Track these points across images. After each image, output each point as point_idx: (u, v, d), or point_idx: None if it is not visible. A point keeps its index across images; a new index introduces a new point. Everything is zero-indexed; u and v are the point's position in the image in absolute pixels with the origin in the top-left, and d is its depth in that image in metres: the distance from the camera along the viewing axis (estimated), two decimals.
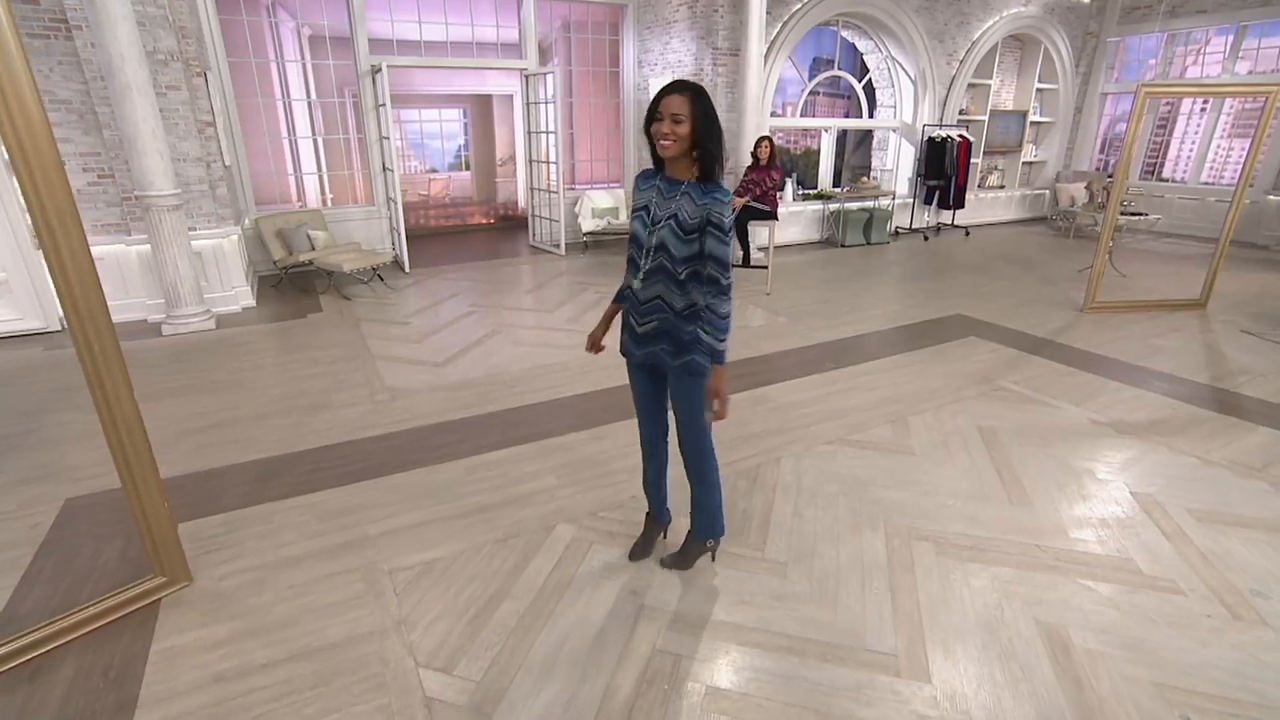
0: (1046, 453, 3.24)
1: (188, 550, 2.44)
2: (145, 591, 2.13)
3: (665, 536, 2.49)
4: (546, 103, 7.56)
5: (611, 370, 4.21)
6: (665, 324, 1.95)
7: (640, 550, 2.42)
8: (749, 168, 6.09)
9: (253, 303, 5.65)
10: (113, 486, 2.87)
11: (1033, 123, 10.62)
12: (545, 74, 7.47)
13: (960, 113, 9.60)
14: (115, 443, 1.98)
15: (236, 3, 6.30)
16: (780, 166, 6.03)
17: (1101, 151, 11.19)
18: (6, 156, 4.78)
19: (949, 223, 9.79)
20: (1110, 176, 10.29)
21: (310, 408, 3.66)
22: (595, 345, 2.17)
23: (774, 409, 3.71)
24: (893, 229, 9.13)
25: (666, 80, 8.24)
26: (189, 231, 5.00)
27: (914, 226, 9.51)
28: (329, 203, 8.45)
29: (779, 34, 7.59)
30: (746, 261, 6.43)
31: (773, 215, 6.08)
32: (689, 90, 1.76)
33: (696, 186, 1.84)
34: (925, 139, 9.01)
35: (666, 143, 1.78)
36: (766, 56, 7.53)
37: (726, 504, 2.79)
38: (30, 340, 4.83)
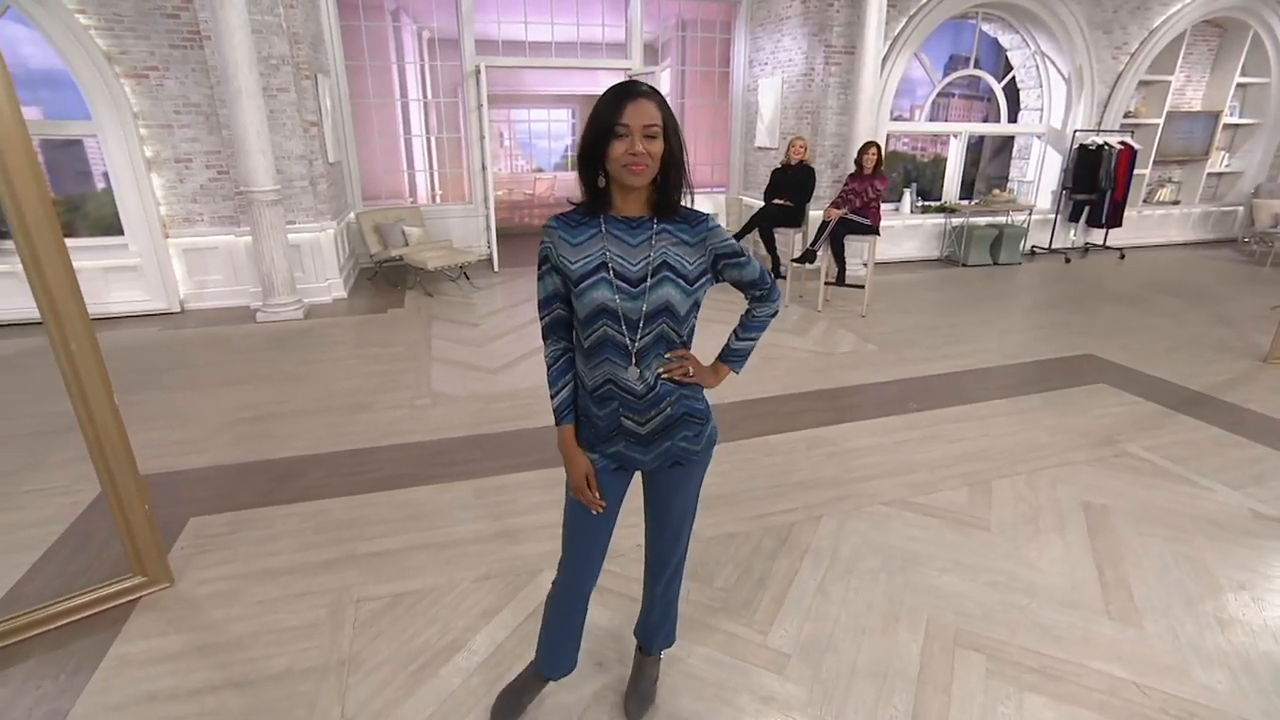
0: (1177, 550, 2.54)
1: (185, 547, 2.48)
2: (122, 590, 2.14)
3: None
4: None
5: None
6: (680, 405, 1.43)
7: (511, 708, 1.76)
8: (850, 176, 5.52)
9: (344, 295, 5.94)
10: (156, 470, 3.01)
11: (1227, 125, 8.93)
12: (648, 74, 7.28)
13: (1126, 115, 8.26)
14: (94, 445, 2.00)
15: (357, 9, 6.65)
16: (885, 176, 5.40)
17: None
18: (149, 155, 5.35)
19: (1100, 243, 8.47)
20: None
21: (352, 408, 3.69)
22: (598, 499, 1.47)
23: (831, 454, 3.24)
24: (1027, 248, 8.03)
25: (774, 81, 7.82)
26: (287, 225, 5.32)
27: (1054, 246, 8.30)
28: (438, 199, 8.80)
29: (904, 29, 6.87)
30: (841, 279, 5.85)
31: (874, 230, 5.47)
32: (655, 93, 1.28)
33: (675, 223, 1.35)
34: (1075, 147, 7.82)
35: (640, 168, 1.26)
36: (888, 54, 6.84)
37: (745, 564, 2.44)
38: (151, 320, 5.35)
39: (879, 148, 5.36)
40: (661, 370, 1.39)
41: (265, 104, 4.98)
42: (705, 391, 1.50)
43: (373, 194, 7.47)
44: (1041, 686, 1.91)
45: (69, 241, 5.81)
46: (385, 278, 6.63)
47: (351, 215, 6.74)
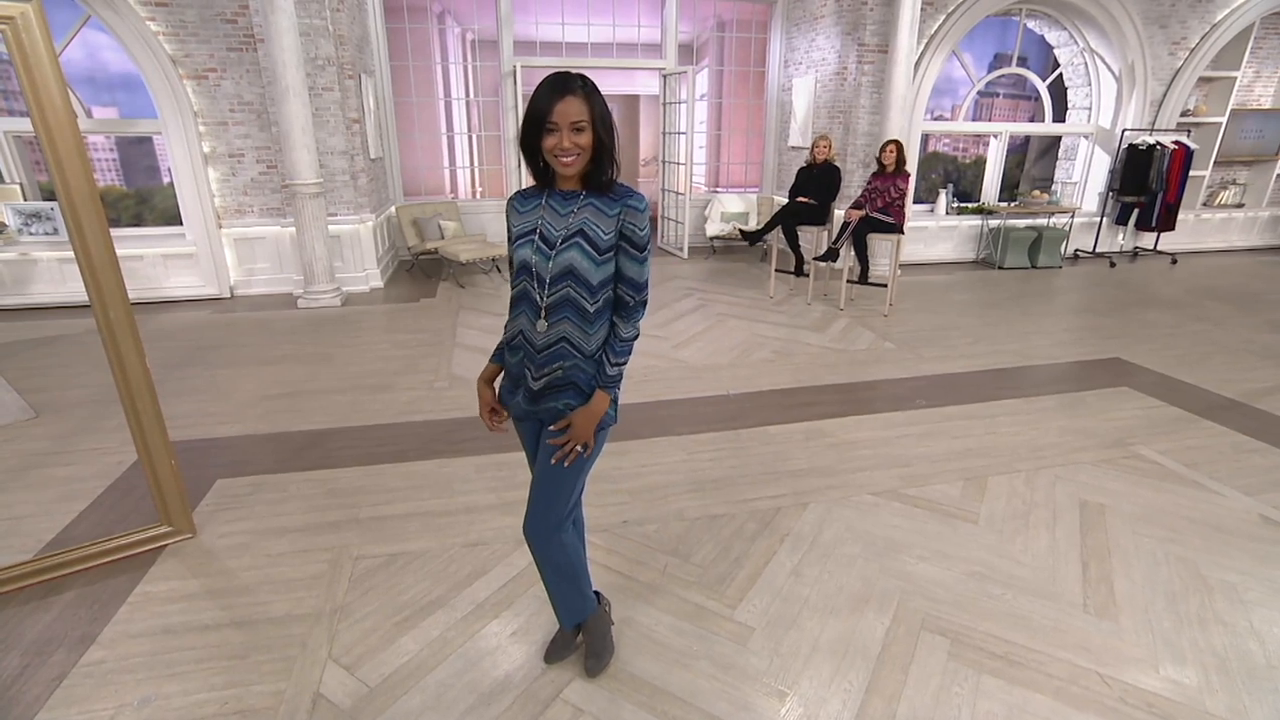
0: (1171, 550, 2.49)
1: (210, 505, 2.71)
2: (151, 538, 2.37)
3: (609, 610, 2.01)
4: (679, 103, 7.45)
5: (675, 381, 4.01)
6: (573, 373, 1.55)
7: (559, 650, 1.95)
8: (873, 174, 5.49)
9: (380, 285, 6.23)
10: (192, 437, 3.29)
11: None
12: (681, 73, 7.37)
13: (1184, 114, 7.90)
14: (129, 406, 2.22)
15: (403, 12, 6.96)
16: (908, 174, 5.36)
17: None
18: (206, 150, 5.74)
19: (1151, 247, 8.12)
20: None
21: (374, 387, 3.91)
22: (495, 421, 1.72)
23: (829, 445, 3.27)
24: (1069, 251, 7.78)
25: (808, 81, 7.79)
26: (328, 217, 5.62)
27: (1099, 250, 8.01)
28: (480, 195, 9.09)
29: (941, 26, 6.76)
30: (864, 278, 5.81)
31: (898, 228, 5.43)
32: (582, 87, 1.39)
33: (600, 196, 1.48)
34: (1124, 146, 7.54)
35: (569, 159, 1.41)
36: (923, 53, 6.75)
37: (725, 544, 2.51)
38: (205, 304, 5.74)
39: (899, 145, 5.33)
40: (561, 458, 1.58)
41: (311, 102, 5.29)
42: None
43: (414, 189, 7.78)
44: (1001, 671, 1.93)
45: (138, 231, 6.26)
46: (422, 270, 6.92)
47: (391, 209, 7.05)
